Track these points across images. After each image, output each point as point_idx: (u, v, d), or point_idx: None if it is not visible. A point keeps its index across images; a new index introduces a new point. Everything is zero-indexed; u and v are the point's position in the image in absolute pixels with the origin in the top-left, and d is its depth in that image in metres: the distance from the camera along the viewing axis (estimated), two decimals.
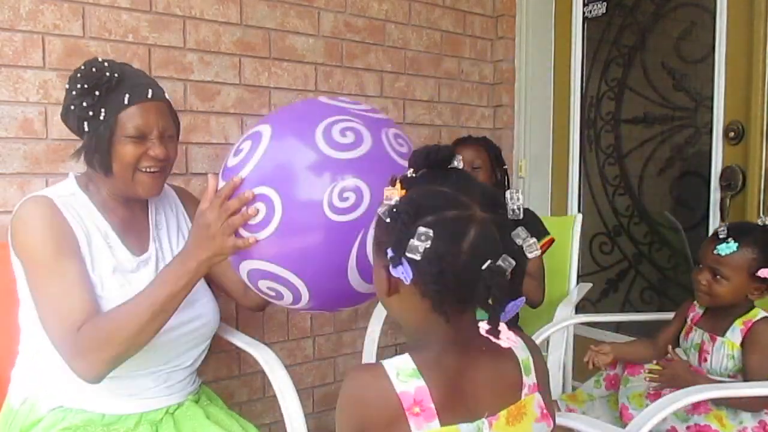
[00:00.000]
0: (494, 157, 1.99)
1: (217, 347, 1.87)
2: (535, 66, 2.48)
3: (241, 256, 1.11)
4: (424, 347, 0.82)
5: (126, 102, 1.16)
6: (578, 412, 1.61)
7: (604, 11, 2.37)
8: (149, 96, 1.18)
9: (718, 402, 1.41)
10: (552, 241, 1.93)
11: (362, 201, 1.05)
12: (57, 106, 1.58)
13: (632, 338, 1.69)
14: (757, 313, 1.44)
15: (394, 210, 0.77)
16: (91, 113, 1.15)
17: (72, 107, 1.16)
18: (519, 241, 0.78)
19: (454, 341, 0.81)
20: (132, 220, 1.29)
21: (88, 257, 1.17)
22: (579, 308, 1.97)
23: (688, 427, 1.41)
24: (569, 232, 2.09)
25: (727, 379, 1.45)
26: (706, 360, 1.48)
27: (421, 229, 0.74)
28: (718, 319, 1.49)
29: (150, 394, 1.24)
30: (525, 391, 0.85)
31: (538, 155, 2.52)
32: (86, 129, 1.16)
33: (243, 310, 1.89)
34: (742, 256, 1.41)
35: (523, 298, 0.79)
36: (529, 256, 0.78)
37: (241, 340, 1.48)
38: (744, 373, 1.41)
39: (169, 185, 1.44)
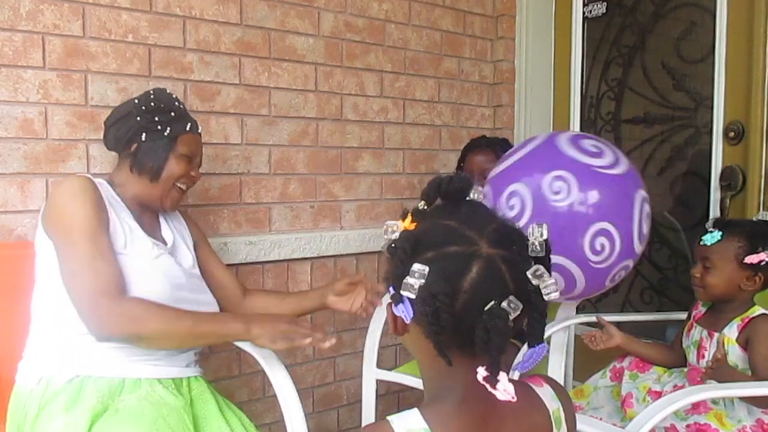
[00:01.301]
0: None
1: (217, 347, 1.87)
2: (535, 66, 2.48)
3: None
4: (437, 400, 0.76)
5: (187, 129, 1.41)
6: (584, 405, 1.62)
7: (604, 11, 2.37)
8: (198, 130, 1.45)
9: (716, 400, 1.41)
10: None
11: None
12: (57, 106, 1.58)
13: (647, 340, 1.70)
14: (756, 310, 1.45)
15: (392, 245, 0.74)
16: (158, 127, 1.36)
17: (138, 118, 1.35)
18: (536, 282, 0.70)
19: (472, 393, 0.73)
20: (147, 220, 1.43)
21: (119, 231, 1.31)
22: (579, 308, 1.96)
23: (687, 426, 1.41)
24: None
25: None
26: (703, 356, 1.49)
27: (416, 266, 0.70)
28: (718, 316, 1.50)
29: (164, 362, 1.31)
30: None
31: None
32: (143, 139, 1.36)
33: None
34: (728, 245, 1.44)
35: (545, 346, 0.73)
36: (546, 298, 0.71)
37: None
38: (751, 369, 1.42)
39: None
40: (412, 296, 0.70)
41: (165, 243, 1.43)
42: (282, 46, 1.94)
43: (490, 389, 0.68)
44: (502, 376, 0.68)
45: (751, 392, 1.38)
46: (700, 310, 1.57)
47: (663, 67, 2.22)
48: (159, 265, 1.34)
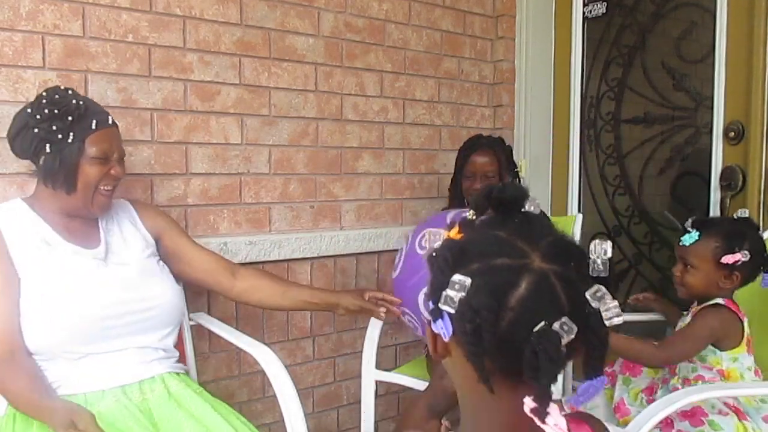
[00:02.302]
0: (505, 161, 1.99)
1: (217, 347, 1.87)
2: (535, 66, 2.48)
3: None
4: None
5: (93, 127, 1.29)
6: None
7: (604, 11, 2.37)
8: (109, 122, 1.35)
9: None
10: None
11: None
12: None
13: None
14: (714, 300, 1.48)
15: (433, 254, 0.67)
16: (59, 136, 1.26)
17: (36, 129, 1.26)
18: (596, 304, 0.62)
19: (516, 425, 0.66)
20: (78, 226, 1.37)
21: (20, 259, 1.27)
22: None
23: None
24: (569, 232, 2.08)
25: (686, 363, 1.50)
26: None
27: (456, 277, 0.62)
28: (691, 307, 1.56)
29: (123, 369, 1.31)
30: None
31: (538, 155, 2.52)
32: (48, 150, 1.27)
33: (243, 309, 1.90)
34: (705, 245, 1.47)
35: (605, 379, 0.65)
36: (608, 323, 0.63)
37: (241, 340, 1.49)
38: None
39: (126, 199, 1.54)
40: (452, 311, 0.63)
41: (96, 247, 1.37)
42: (282, 46, 1.94)
43: (538, 423, 0.61)
44: (553, 409, 0.60)
45: (752, 393, 1.38)
46: (696, 305, 1.58)
47: (663, 67, 2.22)
48: (82, 268, 1.32)
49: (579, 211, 2.46)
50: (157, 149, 1.74)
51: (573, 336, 0.60)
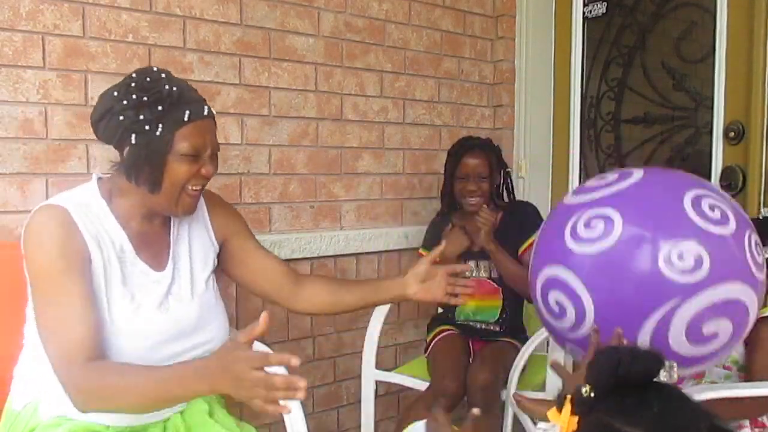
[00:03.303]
0: (496, 162, 2.00)
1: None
2: (535, 66, 2.48)
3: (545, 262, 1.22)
4: None
5: (186, 119, 1.11)
6: None
7: (604, 11, 2.37)
8: (204, 113, 1.15)
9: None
10: None
11: (700, 267, 1.10)
12: (57, 105, 1.58)
13: None
14: (765, 311, 1.44)
15: None
16: (147, 127, 1.09)
17: (121, 117, 1.10)
18: None
19: None
20: (151, 234, 1.23)
21: (100, 269, 1.12)
22: None
23: None
24: None
25: (721, 370, 1.47)
26: None
27: None
28: None
29: (142, 414, 1.18)
30: None
31: (538, 155, 2.52)
32: (133, 141, 1.10)
33: (243, 310, 1.90)
34: None
35: None
36: None
37: None
38: (747, 372, 1.42)
39: None
40: None
41: (164, 266, 1.22)
42: (282, 46, 1.94)
43: None
44: None
45: (753, 392, 1.38)
46: None
47: (663, 67, 2.22)
48: (148, 297, 1.17)
49: None
50: None
51: None
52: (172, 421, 1.23)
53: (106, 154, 1.64)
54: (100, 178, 1.21)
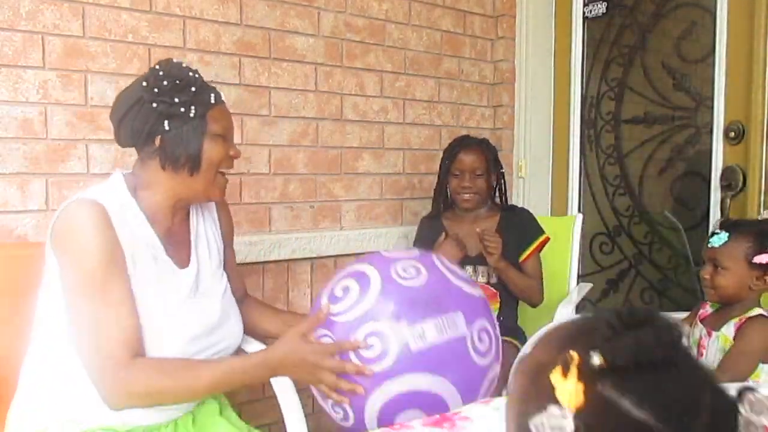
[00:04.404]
0: (492, 161, 1.99)
1: None
2: (535, 66, 2.48)
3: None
4: None
5: (213, 101, 1.17)
6: None
7: (604, 11, 2.37)
8: (222, 98, 1.21)
9: None
10: (547, 240, 1.93)
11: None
12: (57, 105, 1.58)
13: None
14: (755, 311, 1.46)
15: None
16: (182, 110, 1.13)
17: (155, 104, 1.12)
18: None
19: None
20: (175, 231, 1.24)
21: (133, 270, 1.12)
22: (579, 308, 1.97)
23: None
24: (569, 233, 2.09)
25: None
26: (702, 355, 1.50)
27: None
28: (721, 316, 1.51)
29: (171, 405, 1.19)
30: None
31: (538, 155, 2.52)
32: (167, 128, 1.13)
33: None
34: (736, 245, 1.45)
35: None
36: None
37: (241, 341, 1.48)
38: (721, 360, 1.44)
39: None
40: None
41: (189, 262, 1.23)
42: (282, 46, 1.94)
43: None
44: None
45: None
46: (707, 309, 1.57)
47: (663, 67, 2.22)
48: (177, 293, 1.18)
49: (579, 211, 2.46)
50: None
51: None
52: (182, 421, 1.22)
53: (106, 154, 1.64)
54: (124, 175, 1.20)
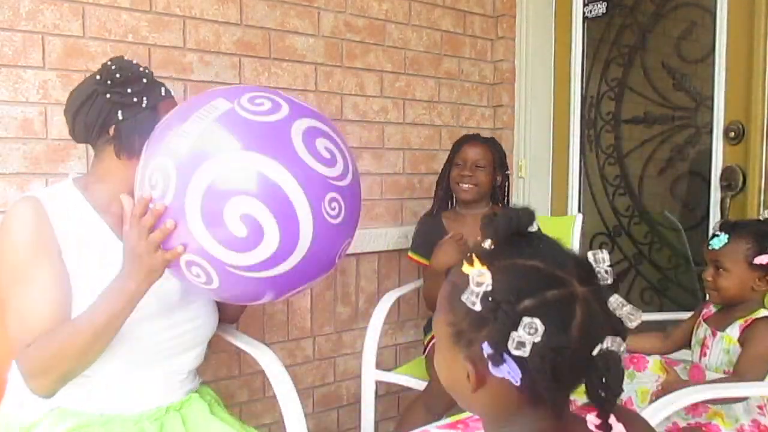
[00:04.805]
0: (498, 159, 2.00)
1: (217, 347, 1.87)
2: (535, 66, 2.48)
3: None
4: None
5: (163, 94, 1.24)
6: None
7: (604, 11, 2.37)
8: (172, 94, 1.28)
9: (713, 401, 1.42)
10: None
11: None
12: (57, 105, 1.58)
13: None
14: (760, 312, 1.45)
15: (490, 299, 0.63)
16: (134, 99, 1.19)
17: (108, 95, 1.17)
18: (619, 312, 0.65)
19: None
20: None
21: (78, 260, 1.16)
22: None
23: (689, 423, 1.41)
24: (569, 232, 2.09)
25: (721, 375, 1.47)
26: (705, 354, 1.50)
27: (526, 320, 0.61)
28: (725, 316, 1.51)
29: (148, 393, 1.23)
30: None
31: (538, 155, 2.52)
32: (120, 117, 1.18)
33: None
34: (736, 247, 1.45)
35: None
36: (630, 325, 0.65)
37: (241, 340, 1.48)
38: (734, 366, 1.43)
39: None
40: (525, 354, 0.61)
41: None
42: (282, 46, 1.94)
43: None
44: (614, 421, 0.63)
45: (748, 392, 1.38)
46: (711, 309, 1.57)
47: (663, 67, 2.22)
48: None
49: (579, 211, 2.46)
50: None
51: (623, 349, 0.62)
52: (170, 422, 1.23)
53: None
54: (75, 178, 1.27)
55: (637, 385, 1.57)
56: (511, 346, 0.61)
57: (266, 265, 1.05)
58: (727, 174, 1.95)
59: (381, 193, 2.20)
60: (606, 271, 0.66)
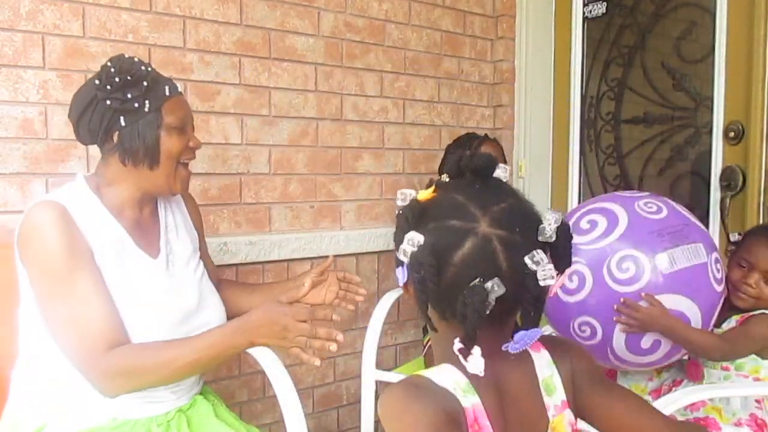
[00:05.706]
0: (502, 156, 2.02)
1: None
2: (535, 66, 2.48)
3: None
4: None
5: (168, 93, 1.19)
6: None
7: (604, 11, 2.37)
8: (178, 89, 1.23)
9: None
10: None
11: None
12: (57, 105, 1.58)
13: None
14: (757, 310, 1.46)
15: (400, 211, 0.77)
16: (136, 105, 1.15)
17: (108, 102, 1.14)
18: (533, 266, 0.71)
19: (447, 357, 0.78)
20: (143, 222, 1.26)
21: (102, 264, 1.15)
22: None
23: (687, 419, 1.41)
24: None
25: (718, 371, 1.47)
26: None
27: (410, 234, 0.74)
28: (721, 313, 1.50)
29: (156, 398, 1.21)
30: (552, 412, 0.79)
31: (538, 155, 2.52)
32: (123, 123, 1.15)
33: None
34: None
35: (539, 331, 0.74)
36: (542, 283, 0.71)
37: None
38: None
39: None
40: (405, 261, 0.74)
41: (159, 252, 1.26)
42: (282, 46, 1.94)
43: (462, 361, 0.72)
44: (476, 350, 0.71)
45: (749, 392, 1.38)
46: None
47: (663, 67, 2.22)
48: (150, 282, 1.20)
49: None
50: None
51: (502, 293, 0.69)
52: (176, 423, 1.23)
53: None
54: (86, 176, 1.23)
55: (631, 382, 1.58)
56: (399, 252, 0.75)
57: None
58: (727, 174, 1.95)
59: (381, 193, 2.20)
60: (551, 230, 0.73)
